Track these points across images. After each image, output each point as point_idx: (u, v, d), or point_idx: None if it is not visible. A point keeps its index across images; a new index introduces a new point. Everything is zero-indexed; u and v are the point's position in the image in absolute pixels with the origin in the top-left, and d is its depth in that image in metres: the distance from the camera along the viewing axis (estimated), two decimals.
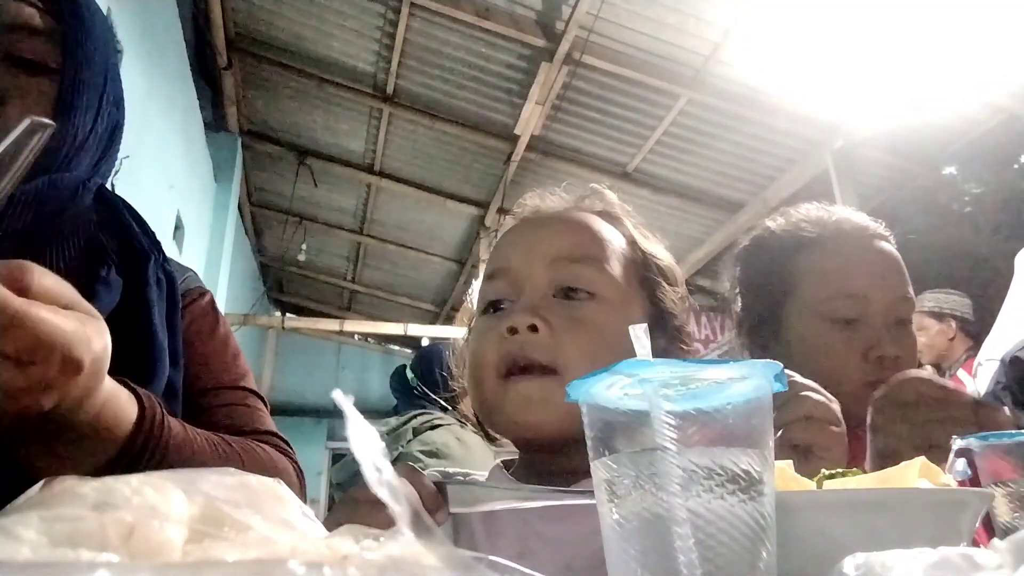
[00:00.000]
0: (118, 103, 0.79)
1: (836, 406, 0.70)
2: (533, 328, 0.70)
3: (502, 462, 0.82)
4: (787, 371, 0.74)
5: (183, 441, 0.65)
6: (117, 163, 0.82)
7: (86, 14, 0.74)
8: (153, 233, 0.82)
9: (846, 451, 0.69)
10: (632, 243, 0.81)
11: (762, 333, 1.05)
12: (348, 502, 0.60)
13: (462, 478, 0.77)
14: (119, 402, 0.59)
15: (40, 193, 0.57)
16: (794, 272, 1.03)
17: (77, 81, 0.71)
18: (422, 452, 2.12)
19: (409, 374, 2.43)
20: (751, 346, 1.07)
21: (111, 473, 0.51)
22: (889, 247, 1.04)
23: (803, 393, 0.68)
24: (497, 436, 0.83)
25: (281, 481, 0.32)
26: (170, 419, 0.64)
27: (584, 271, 0.76)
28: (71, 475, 0.28)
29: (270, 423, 0.81)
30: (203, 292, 0.87)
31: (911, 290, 1.01)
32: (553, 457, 0.71)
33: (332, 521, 0.61)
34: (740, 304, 1.10)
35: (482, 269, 0.90)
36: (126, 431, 0.59)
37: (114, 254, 0.75)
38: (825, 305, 0.98)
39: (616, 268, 0.77)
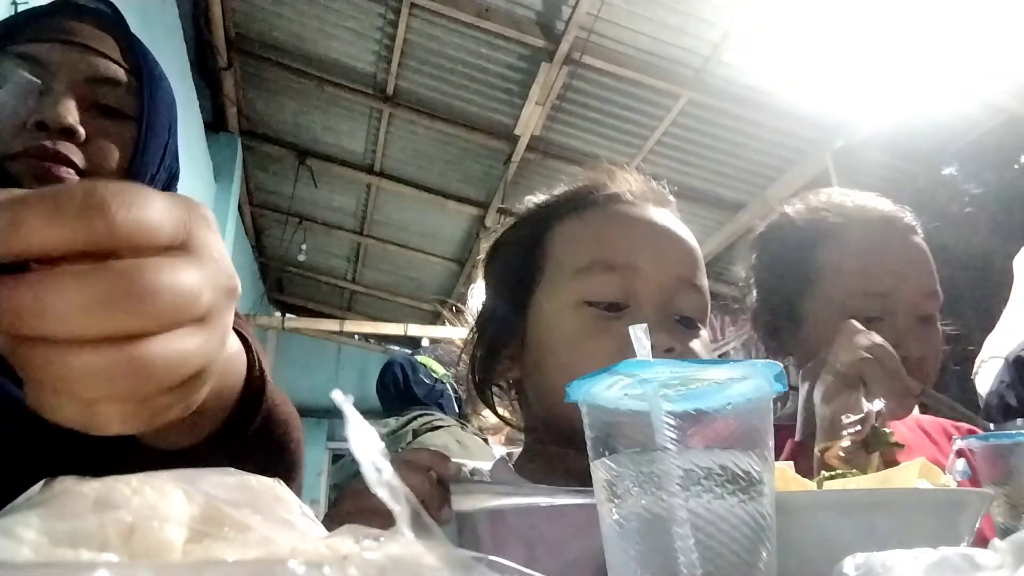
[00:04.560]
0: (175, 156, 0.91)
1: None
2: (670, 350, 0.68)
3: (508, 454, 0.82)
4: (854, 322, 0.76)
5: (277, 393, 0.58)
6: None
7: (157, 72, 0.87)
8: None
9: (907, 393, 0.71)
10: None
11: (778, 328, 1.01)
12: (351, 495, 0.61)
13: (468, 472, 0.77)
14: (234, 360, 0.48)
15: None
16: (814, 266, 0.97)
17: (148, 127, 0.83)
18: None
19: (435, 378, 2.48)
20: (767, 341, 1.03)
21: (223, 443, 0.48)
22: (915, 238, 0.97)
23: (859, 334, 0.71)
24: (516, 435, 0.83)
25: (281, 481, 0.32)
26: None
27: (701, 302, 0.75)
28: (72, 475, 0.28)
29: None
30: None
31: (938, 285, 0.95)
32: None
33: (335, 510, 0.61)
34: (756, 296, 1.05)
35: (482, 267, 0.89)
36: (237, 388, 0.51)
37: None
38: (846, 303, 0.92)
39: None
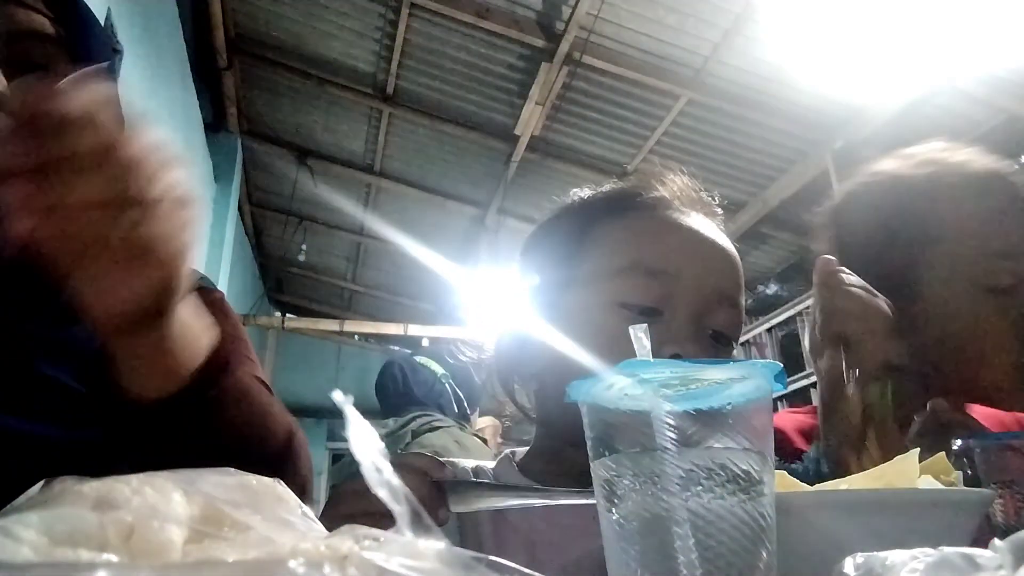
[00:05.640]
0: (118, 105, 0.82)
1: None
2: None
3: (511, 452, 0.81)
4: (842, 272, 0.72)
5: (250, 388, 0.67)
6: None
7: (87, 17, 0.77)
8: None
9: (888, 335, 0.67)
10: None
11: (891, 297, 0.87)
12: (349, 496, 0.60)
13: (470, 472, 0.77)
14: (198, 320, 0.59)
15: None
16: (936, 222, 0.84)
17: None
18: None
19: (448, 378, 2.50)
20: None
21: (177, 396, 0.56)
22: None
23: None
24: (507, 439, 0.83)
25: (281, 481, 0.32)
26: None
27: (736, 319, 0.74)
28: (72, 476, 0.28)
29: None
30: (212, 290, 0.88)
31: None
32: None
33: (332, 511, 0.61)
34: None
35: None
36: (199, 356, 0.59)
37: None
38: (978, 267, 0.81)
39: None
